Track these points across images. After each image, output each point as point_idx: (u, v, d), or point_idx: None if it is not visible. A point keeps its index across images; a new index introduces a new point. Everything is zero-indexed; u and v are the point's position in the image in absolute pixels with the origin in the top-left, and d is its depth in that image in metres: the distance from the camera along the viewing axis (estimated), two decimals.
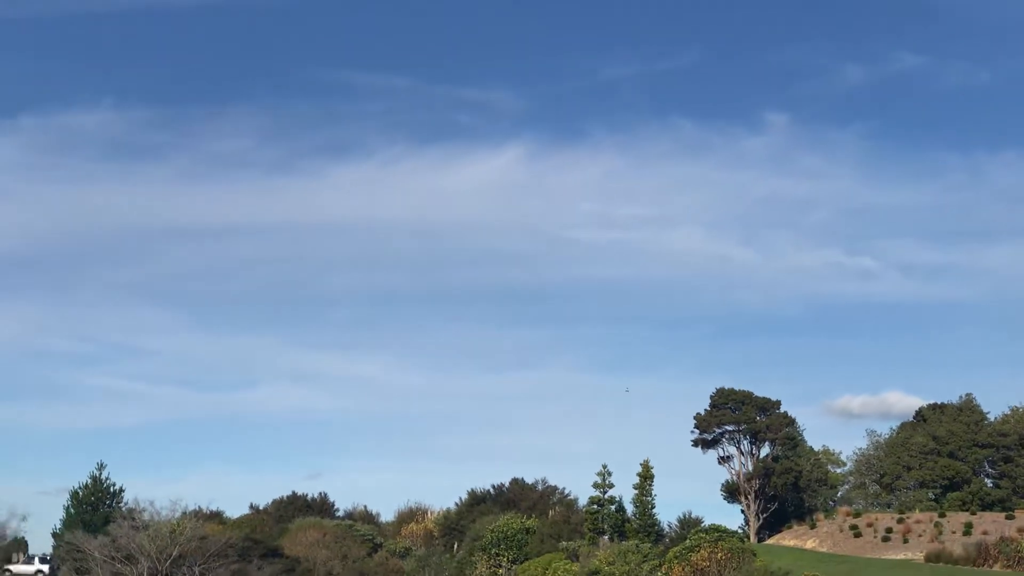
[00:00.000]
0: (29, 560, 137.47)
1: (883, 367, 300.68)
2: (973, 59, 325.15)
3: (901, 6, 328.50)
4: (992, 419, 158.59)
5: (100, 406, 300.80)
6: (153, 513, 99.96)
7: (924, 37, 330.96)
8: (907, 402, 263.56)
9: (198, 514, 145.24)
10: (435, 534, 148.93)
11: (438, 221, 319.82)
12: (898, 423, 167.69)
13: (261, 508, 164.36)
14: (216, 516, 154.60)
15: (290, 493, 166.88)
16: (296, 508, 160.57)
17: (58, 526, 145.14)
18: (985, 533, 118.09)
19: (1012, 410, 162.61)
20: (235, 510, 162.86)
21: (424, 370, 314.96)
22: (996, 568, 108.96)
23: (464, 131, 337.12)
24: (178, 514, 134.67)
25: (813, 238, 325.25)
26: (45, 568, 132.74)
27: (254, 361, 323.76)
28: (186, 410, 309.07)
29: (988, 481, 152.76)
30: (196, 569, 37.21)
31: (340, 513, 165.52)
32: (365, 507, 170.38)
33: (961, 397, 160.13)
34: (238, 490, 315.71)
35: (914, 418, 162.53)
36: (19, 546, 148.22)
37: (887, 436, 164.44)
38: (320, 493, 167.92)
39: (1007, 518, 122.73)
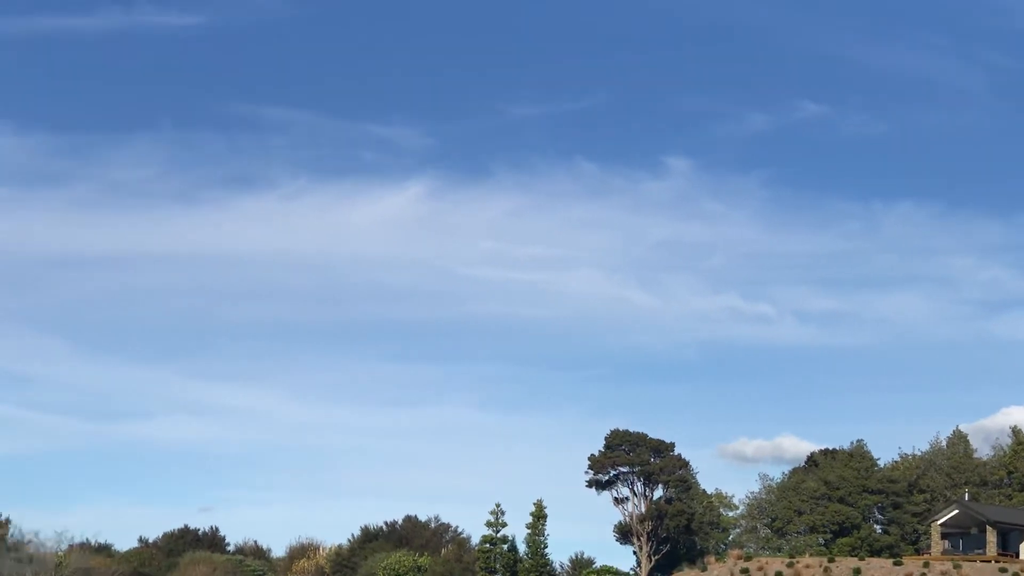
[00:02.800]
0: None
1: (777, 412, 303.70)
2: (871, 110, 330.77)
3: (803, 56, 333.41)
4: (882, 465, 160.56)
5: None
6: (38, 545, 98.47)
7: (824, 87, 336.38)
8: (800, 447, 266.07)
9: (85, 547, 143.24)
10: (327, 571, 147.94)
11: (339, 256, 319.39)
12: (790, 468, 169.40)
13: (151, 541, 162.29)
14: (104, 549, 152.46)
15: (181, 526, 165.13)
16: (187, 542, 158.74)
17: None
18: None
19: (901, 457, 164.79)
20: (124, 543, 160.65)
21: (320, 404, 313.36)
22: None
23: (368, 167, 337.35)
24: (64, 546, 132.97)
25: (711, 283, 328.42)
26: None
27: (148, 392, 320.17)
28: (75, 440, 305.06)
29: (877, 527, 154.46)
30: None
31: (231, 548, 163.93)
32: (256, 542, 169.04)
33: (852, 443, 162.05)
34: (128, 523, 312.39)
35: (806, 463, 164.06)
36: None
37: (779, 480, 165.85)
38: (211, 527, 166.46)
39: (895, 564, 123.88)
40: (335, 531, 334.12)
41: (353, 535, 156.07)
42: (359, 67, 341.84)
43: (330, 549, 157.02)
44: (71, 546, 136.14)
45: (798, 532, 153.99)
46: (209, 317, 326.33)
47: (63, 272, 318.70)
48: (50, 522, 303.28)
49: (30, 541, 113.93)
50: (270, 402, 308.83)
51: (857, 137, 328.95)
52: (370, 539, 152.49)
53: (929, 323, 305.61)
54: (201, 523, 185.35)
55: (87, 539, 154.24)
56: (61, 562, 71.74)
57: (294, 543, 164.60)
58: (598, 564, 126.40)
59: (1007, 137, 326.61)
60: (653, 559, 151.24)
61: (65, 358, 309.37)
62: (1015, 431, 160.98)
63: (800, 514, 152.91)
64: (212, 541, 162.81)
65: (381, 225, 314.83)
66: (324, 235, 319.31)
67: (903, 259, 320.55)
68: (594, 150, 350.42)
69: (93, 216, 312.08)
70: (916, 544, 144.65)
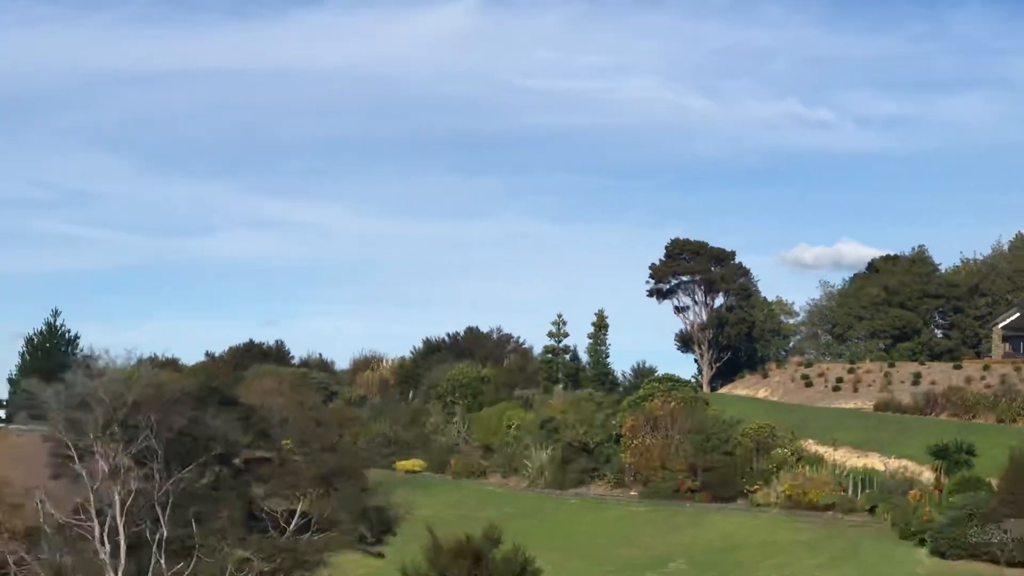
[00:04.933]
0: None
1: (838, 218, 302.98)
2: None
3: None
4: (943, 270, 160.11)
5: (54, 252, 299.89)
6: (108, 361, 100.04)
7: None
8: (861, 253, 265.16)
9: (153, 362, 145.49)
10: (390, 382, 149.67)
11: (395, 68, 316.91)
12: (851, 274, 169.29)
13: (217, 356, 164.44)
14: (172, 363, 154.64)
15: (246, 341, 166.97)
16: (252, 356, 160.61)
17: (13, 372, 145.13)
18: (933, 383, 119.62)
19: (963, 262, 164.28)
20: (191, 358, 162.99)
21: (380, 217, 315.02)
22: (943, 416, 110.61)
23: None
24: (133, 362, 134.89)
25: (772, 88, 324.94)
26: (1, 414, 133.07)
27: (210, 208, 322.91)
28: (140, 257, 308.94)
29: (938, 332, 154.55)
30: (152, 416, 37.27)
31: (296, 361, 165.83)
32: (320, 355, 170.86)
33: (913, 248, 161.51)
34: (194, 338, 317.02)
35: (867, 269, 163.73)
36: None
37: (840, 287, 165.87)
38: (276, 341, 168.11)
39: (955, 367, 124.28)
40: (398, 343, 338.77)
41: (415, 347, 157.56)
42: None
43: (393, 361, 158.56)
44: (140, 361, 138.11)
45: (858, 338, 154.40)
46: (268, 132, 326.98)
47: (123, 88, 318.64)
48: (119, 339, 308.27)
49: (100, 357, 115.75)
50: (331, 216, 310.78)
51: None
52: (432, 351, 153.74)
53: (992, 126, 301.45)
54: (266, 337, 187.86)
55: (155, 354, 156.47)
56: (131, 376, 72.99)
57: (357, 356, 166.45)
58: (660, 373, 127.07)
59: None
60: (714, 367, 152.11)
61: (128, 175, 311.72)
62: None
63: (861, 320, 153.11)
64: (277, 354, 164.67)
65: (438, 37, 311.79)
66: (380, 48, 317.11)
67: (967, 61, 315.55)
68: None
69: (152, 31, 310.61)
70: (977, 348, 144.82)
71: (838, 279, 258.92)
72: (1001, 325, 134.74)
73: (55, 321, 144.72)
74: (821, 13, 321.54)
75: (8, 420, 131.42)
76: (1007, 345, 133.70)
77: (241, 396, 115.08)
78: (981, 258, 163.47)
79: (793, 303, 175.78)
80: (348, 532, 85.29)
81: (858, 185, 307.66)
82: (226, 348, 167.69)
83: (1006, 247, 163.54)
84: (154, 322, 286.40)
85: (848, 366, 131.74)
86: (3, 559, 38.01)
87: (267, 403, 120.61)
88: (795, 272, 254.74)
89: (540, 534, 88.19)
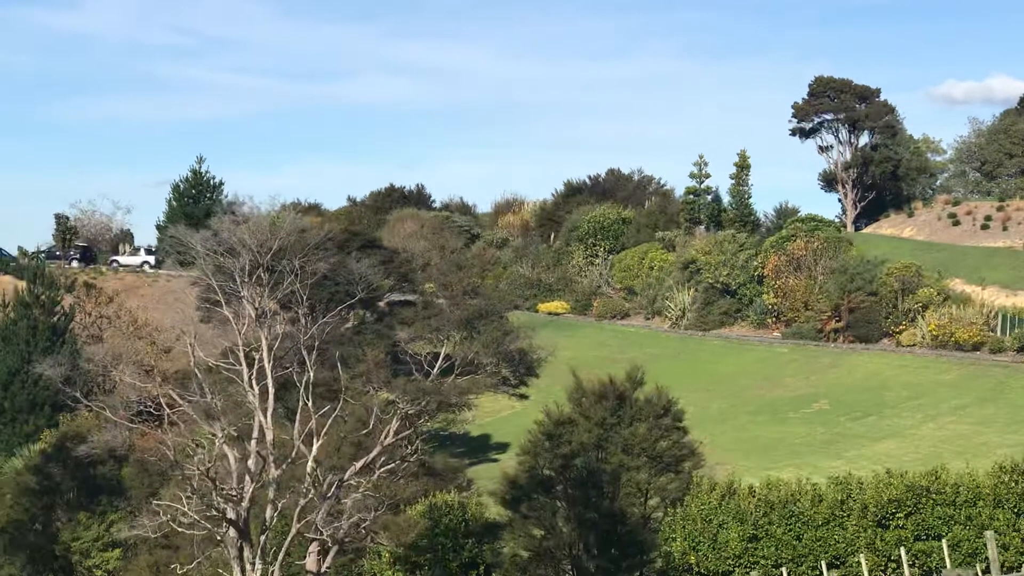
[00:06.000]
0: (135, 251, 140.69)
1: (988, 50, 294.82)
2: None
3: None
4: None
5: (197, 99, 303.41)
6: (253, 207, 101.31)
7: None
8: (1012, 87, 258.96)
9: (297, 207, 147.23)
10: (531, 225, 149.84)
11: None
12: (1002, 110, 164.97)
13: (358, 200, 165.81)
14: (314, 209, 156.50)
15: (387, 185, 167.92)
16: (393, 200, 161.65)
17: (161, 219, 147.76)
18: None
19: None
20: (333, 203, 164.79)
21: (519, 60, 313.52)
22: None
23: None
24: (277, 207, 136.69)
25: None
26: (151, 259, 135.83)
27: (350, 51, 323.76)
28: (281, 102, 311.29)
29: None
30: (296, 261, 37.70)
31: (437, 205, 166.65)
32: (462, 199, 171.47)
33: None
34: (335, 182, 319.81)
35: (1019, 104, 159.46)
36: (125, 237, 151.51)
37: (990, 123, 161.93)
38: (417, 184, 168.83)
39: None
40: (539, 186, 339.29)
41: (556, 190, 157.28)
42: None
43: (534, 204, 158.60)
44: (284, 206, 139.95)
45: (1008, 175, 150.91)
46: None
47: None
48: (262, 184, 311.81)
49: (245, 203, 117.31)
50: (471, 59, 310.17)
51: None
52: (573, 193, 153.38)
53: None
54: (407, 181, 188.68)
55: (298, 200, 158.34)
56: (275, 221, 73.68)
57: (499, 199, 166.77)
58: (803, 212, 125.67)
59: None
60: (859, 206, 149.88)
61: (267, 19, 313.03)
62: None
63: (1011, 157, 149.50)
64: (418, 198, 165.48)
65: None
66: None
67: None
68: None
69: None
70: None
71: (988, 115, 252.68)
72: None
73: (200, 168, 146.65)
74: None
75: (158, 265, 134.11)
76: None
77: (383, 240, 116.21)
78: None
79: (940, 140, 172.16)
80: (492, 374, 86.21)
81: (1009, 16, 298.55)
82: (367, 193, 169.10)
83: None
84: (296, 167, 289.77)
85: (997, 204, 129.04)
86: (156, 400, 38.80)
87: (408, 247, 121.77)
88: (943, 109, 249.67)
89: (683, 375, 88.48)
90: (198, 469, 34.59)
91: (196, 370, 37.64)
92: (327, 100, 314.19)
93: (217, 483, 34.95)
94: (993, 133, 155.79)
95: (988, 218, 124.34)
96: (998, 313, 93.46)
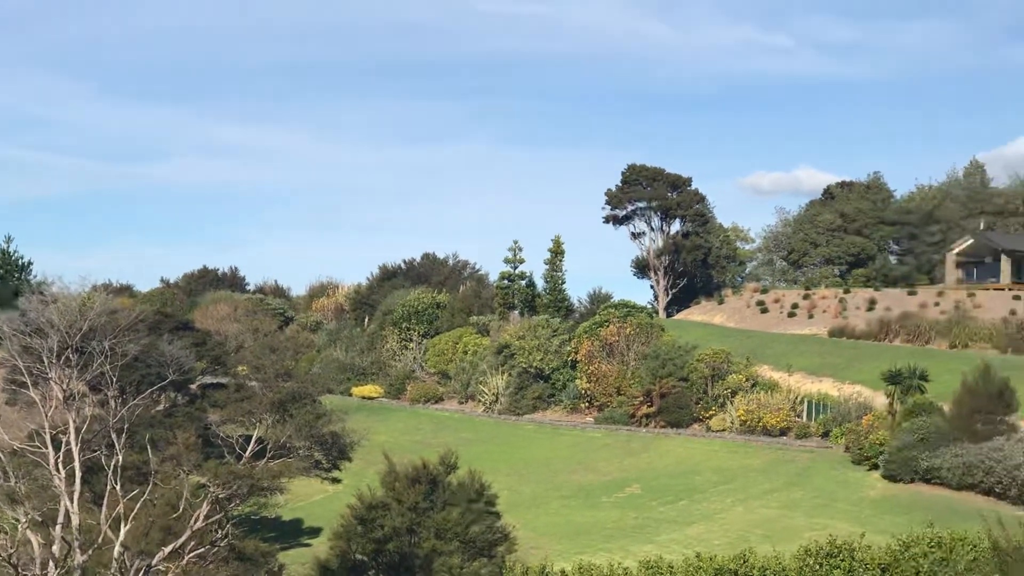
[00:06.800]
0: None
1: (795, 144, 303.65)
2: None
3: None
4: (898, 197, 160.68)
5: (6, 177, 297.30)
6: (62, 287, 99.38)
7: None
8: (817, 179, 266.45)
9: (108, 288, 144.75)
10: (346, 308, 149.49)
11: None
12: (807, 200, 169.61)
13: (172, 282, 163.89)
14: (126, 290, 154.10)
15: (201, 267, 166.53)
16: (207, 282, 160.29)
17: None
18: (887, 309, 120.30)
19: (918, 188, 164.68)
20: (146, 284, 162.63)
21: (339, 143, 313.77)
22: (897, 342, 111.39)
23: None
24: (88, 288, 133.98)
25: (729, 14, 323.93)
26: None
27: (166, 133, 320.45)
28: (95, 182, 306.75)
29: (892, 258, 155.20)
30: (106, 343, 36.99)
31: (251, 287, 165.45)
32: (276, 282, 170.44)
33: (869, 175, 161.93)
34: (149, 264, 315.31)
35: (823, 195, 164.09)
36: None
37: (796, 213, 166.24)
38: (231, 267, 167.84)
39: (909, 294, 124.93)
40: (354, 270, 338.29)
41: (372, 273, 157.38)
42: None
43: (349, 287, 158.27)
44: (94, 287, 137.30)
45: (814, 264, 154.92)
46: (226, 57, 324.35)
47: (81, 9, 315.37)
48: (73, 265, 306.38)
49: (54, 283, 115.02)
50: (289, 142, 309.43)
51: None
52: (388, 277, 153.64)
53: (947, 52, 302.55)
54: (221, 263, 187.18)
55: (110, 280, 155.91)
56: (85, 302, 72.11)
57: (314, 282, 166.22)
58: (616, 298, 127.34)
59: None
60: (670, 293, 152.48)
61: (82, 99, 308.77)
62: None
63: (816, 246, 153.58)
64: (232, 281, 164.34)
65: None
66: None
67: None
68: None
69: None
70: (931, 274, 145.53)
71: (795, 205, 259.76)
72: (955, 252, 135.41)
73: (8, 247, 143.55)
74: None
75: None
76: (960, 272, 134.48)
77: (196, 322, 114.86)
78: (936, 185, 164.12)
79: (749, 229, 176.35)
80: (305, 458, 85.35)
81: (816, 111, 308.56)
82: (181, 274, 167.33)
83: (960, 174, 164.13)
84: (108, 248, 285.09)
85: (803, 292, 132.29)
86: None
87: (222, 329, 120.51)
88: (752, 198, 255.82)
89: (497, 459, 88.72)
90: (0, 555, 33.71)
91: (0, 454, 36.81)
92: (143, 181, 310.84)
93: (20, 569, 34.07)
94: (799, 223, 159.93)
95: (795, 306, 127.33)
96: (804, 399, 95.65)
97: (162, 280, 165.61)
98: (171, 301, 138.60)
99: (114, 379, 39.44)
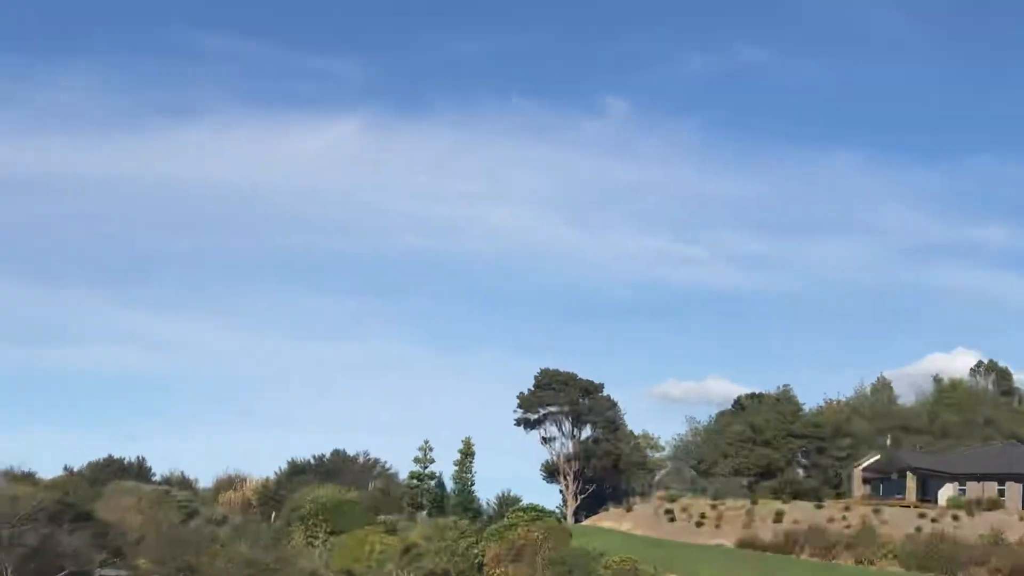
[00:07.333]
0: None
1: (707, 354, 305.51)
2: (809, 56, 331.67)
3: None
4: (807, 410, 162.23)
5: None
6: None
7: (765, 32, 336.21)
8: (728, 390, 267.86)
9: (8, 474, 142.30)
10: (253, 503, 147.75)
11: (271, 187, 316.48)
12: (718, 410, 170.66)
13: (76, 470, 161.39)
14: (28, 477, 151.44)
15: (106, 456, 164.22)
16: (112, 471, 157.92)
17: None
18: (796, 521, 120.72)
19: (827, 402, 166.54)
20: (49, 471, 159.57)
21: (250, 335, 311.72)
22: (804, 556, 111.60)
23: (305, 99, 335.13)
24: None
25: (643, 224, 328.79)
26: None
27: (74, 318, 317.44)
28: (1, 365, 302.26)
29: (800, 471, 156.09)
30: (4, 532, 36.25)
31: (157, 478, 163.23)
32: (183, 473, 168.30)
33: (779, 388, 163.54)
34: (52, 451, 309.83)
35: (733, 406, 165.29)
36: None
37: (706, 423, 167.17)
38: (138, 456, 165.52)
39: (816, 507, 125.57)
40: (263, 463, 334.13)
41: (280, 468, 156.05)
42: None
43: (257, 481, 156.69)
44: None
45: (723, 474, 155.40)
46: (139, 245, 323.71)
47: None
48: None
49: None
50: (198, 332, 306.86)
51: (794, 83, 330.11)
52: (297, 472, 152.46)
53: (857, 269, 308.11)
54: (127, 453, 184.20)
55: (11, 467, 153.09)
56: None
57: (221, 475, 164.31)
58: (525, 502, 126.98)
59: (940, 87, 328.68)
60: (579, 498, 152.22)
61: None
62: (937, 379, 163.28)
63: (725, 457, 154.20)
64: (138, 471, 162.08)
65: (316, 157, 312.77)
66: (257, 166, 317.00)
67: (833, 205, 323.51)
68: (531, 87, 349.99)
69: (21, 140, 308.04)
70: (838, 488, 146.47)
71: (705, 415, 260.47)
72: (862, 467, 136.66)
73: None
74: (694, 153, 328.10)
75: None
76: (867, 487, 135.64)
77: (98, 513, 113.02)
78: (844, 399, 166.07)
79: (659, 437, 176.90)
80: None
81: (727, 322, 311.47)
82: (85, 463, 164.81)
83: (868, 390, 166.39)
84: (11, 434, 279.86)
85: (711, 502, 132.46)
86: None
87: (124, 520, 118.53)
88: (663, 406, 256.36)
89: None
90: None
91: None
92: (49, 366, 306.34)
93: None
94: (709, 433, 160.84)
95: (703, 515, 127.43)
96: None
97: (66, 468, 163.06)
98: (74, 490, 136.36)
99: (9, 570, 38.82)
